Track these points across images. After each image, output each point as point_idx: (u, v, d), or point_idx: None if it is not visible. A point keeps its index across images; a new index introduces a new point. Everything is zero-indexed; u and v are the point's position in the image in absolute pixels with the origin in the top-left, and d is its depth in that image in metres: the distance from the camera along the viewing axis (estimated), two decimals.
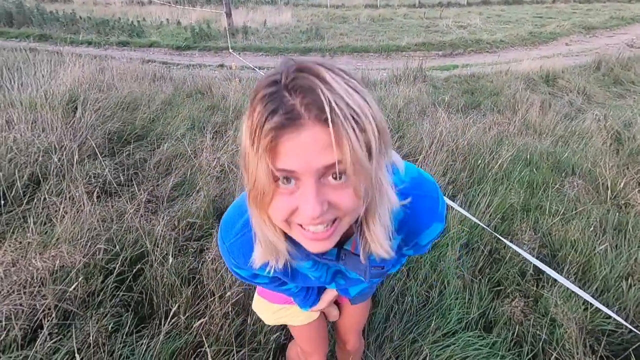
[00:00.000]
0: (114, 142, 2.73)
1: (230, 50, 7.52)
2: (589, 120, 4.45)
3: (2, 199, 1.82)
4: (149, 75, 5.10)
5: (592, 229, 2.04)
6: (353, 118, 0.42)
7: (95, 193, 1.88)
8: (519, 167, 2.76)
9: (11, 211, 1.84)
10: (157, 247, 1.59)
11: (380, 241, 0.54)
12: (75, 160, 2.04)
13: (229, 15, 11.74)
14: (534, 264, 1.92)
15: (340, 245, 0.61)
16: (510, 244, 1.49)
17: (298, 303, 0.92)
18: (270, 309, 1.00)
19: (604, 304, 1.51)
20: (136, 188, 1.97)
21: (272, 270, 0.63)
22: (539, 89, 6.66)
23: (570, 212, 2.27)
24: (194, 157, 2.36)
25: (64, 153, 2.21)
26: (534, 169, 2.83)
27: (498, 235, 1.74)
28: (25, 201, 1.85)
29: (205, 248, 1.70)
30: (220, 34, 11.58)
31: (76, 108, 2.72)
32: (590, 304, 1.50)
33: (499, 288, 1.77)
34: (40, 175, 2.03)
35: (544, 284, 1.76)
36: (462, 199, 2.35)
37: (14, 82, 3.23)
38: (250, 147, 0.44)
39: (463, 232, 2.05)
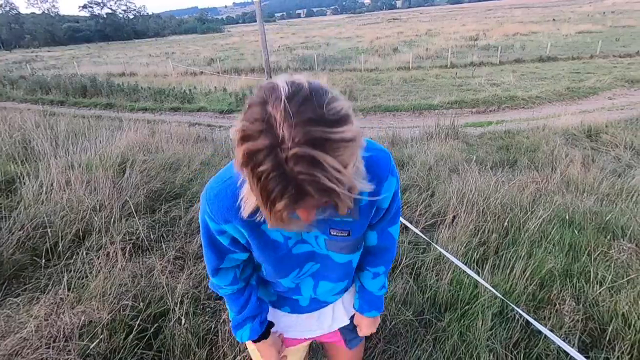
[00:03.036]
0: (154, 199, 2.94)
1: None
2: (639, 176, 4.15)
3: (49, 252, 2.00)
4: (193, 138, 5.58)
5: None
6: (341, 182, 0.50)
7: (130, 249, 2.01)
8: (558, 228, 2.60)
9: (56, 264, 2.00)
10: (179, 304, 1.63)
11: (357, 179, 0.59)
12: (116, 218, 2.23)
13: None
14: (579, 340, 1.72)
15: None
16: (542, 327, 1.36)
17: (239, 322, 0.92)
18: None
19: None
20: (165, 246, 2.08)
21: (241, 231, 0.74)
22: (580, 144, 6.40)
23: (621, 279, 2.06)
24: None
25: (109, 211, 2.42)
26: (576, 230, 2.63)
27: (526, 315, 1.59)
28: (68, 255, 2.02)
29: (223, 308, 1.71)
30: None
31: (125, 169, 3.01)
32: None
33: None
34: (84, 231, 2.22)
35: None
36: (494, 262, 2.21)
37: (77, 146, 3.67)
38: (267, 207, 0.53)
39: (496, 298, 1.91)
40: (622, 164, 5.28)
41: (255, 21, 11.35)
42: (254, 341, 0.95)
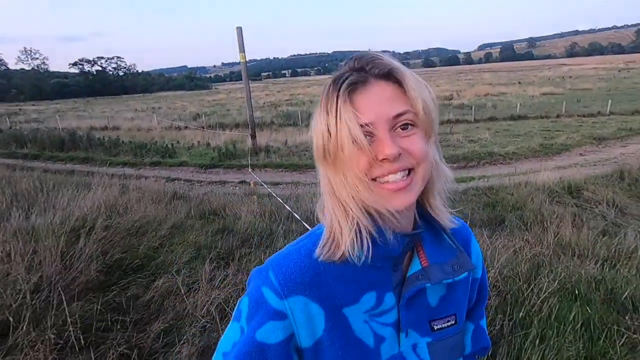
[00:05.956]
0: (110, 273, 2.56)
1: (249, 170, 7.93)
2: (632, 236, 4.04)
3: None
4: (169, 195, 5.26)
5: None
6: (412, 75, 0.51)
7: (61, 347, 1.61)
8: (565, 303, 2.35)
9: None
10: None
11: (443, 211, 0.59)
12: (54, 304, 1.84)
13: (253, 136, 12.90)
14: None
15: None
16: None
17: None
18: None
19: None
20: (111, 342, 1.68)
21: (312, 314, 0.50)
22: (564, 200, 6.41)
23: None
24: (188, 297, 2.12)
25: (51, 292, 2.03)
26: (585, 304, 2.39)
27: None
28: None
29: None
30: (244, 153, 12.52)
31: (79, 237, 2.65)
32: None
33: None
34: (13, 322, 1.81)
35: None
36: (506, 351, 1.90)
37: (32, 208, 3.31)
38: (335, 116, 0.49)
39: None
40: (609, 222, 5.23)
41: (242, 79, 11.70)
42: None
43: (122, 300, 2.18)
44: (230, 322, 0.54)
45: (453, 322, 0.59)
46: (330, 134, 0.50)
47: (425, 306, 0.57)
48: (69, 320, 1.70)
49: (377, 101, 0.49)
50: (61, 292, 1.98)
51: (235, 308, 0.54)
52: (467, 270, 0.57)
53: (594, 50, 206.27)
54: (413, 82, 0.50)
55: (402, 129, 0.50)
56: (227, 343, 0.52)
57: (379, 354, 0.54)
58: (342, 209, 0.52)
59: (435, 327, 0.57)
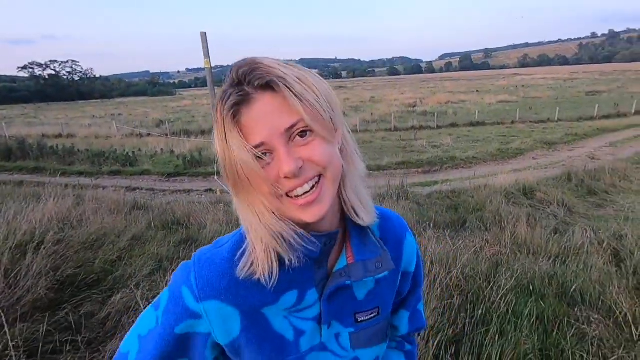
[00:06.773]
0: (64, 289, 2.39)
1: (216, 177, 7.75)
2: (579, 233, 4.35)
3: None
4: (129, 206, 5.02)
5: None
6: (294, 80, 0.46)
7: None
8: (522, 298, 2.47)
9: None
10: None
11: (360, 208, 0.56)
12: None
13: None
14: None
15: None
16: None
17: None
18: None
19: None
20: None
21: (229, 316, 0.53)
22: (519, 201, 6.79)
23: (597, 358, 1.90)
24: None
25: None
26: (540, 299, 2.53)
27: None
28: None
29: None
30: (211, 160, 12.21)
31: (26, 252, 2.46)
32: None
33: None
34: None
35: None
36: (468, 348, 1.97)
37: None
38: (224, 141, 0.47)
39: None
40: (560, 221, 5.60)
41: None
42: None
43: (75, 319, 2.04)
44: (150, 306, 0.57)
45: (376, 314, 0.62)
46: (225, 158, 0.48)
47: (352, 299, 0.60)
48: (10, 344, 1.56)
49: (264, 117, 0.46)
50: (2, 314, 1.81)
51: (158, 297, 0.57)
52: (387, 269, 0.58)
53: (543, 61, 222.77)
54: (297, 87, 0.46)
55: (301, 137, 0.47)
56: (143, 327, 0.55)
57: (298, 346, 0.57)
58: (255, 233, 0.51)
59: (359, 319, 0.60)
